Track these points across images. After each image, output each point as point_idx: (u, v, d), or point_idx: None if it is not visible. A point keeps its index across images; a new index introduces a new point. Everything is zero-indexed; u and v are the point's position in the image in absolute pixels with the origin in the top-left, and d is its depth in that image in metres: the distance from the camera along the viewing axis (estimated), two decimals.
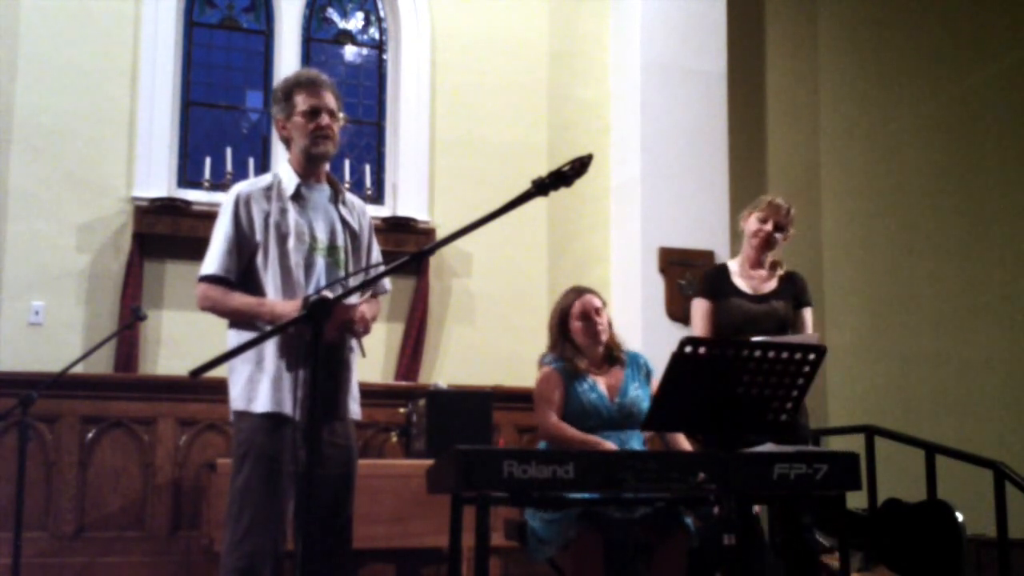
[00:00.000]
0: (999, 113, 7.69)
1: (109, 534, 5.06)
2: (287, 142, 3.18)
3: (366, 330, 3.08)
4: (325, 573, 2.97)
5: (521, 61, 6.55)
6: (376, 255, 3.30)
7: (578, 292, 3.90)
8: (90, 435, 5.11)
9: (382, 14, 6.55)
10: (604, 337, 3.83)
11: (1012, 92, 7.69)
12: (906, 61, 7.59)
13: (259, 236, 3.03)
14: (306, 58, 6.28)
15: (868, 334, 7.17)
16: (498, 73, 6.49)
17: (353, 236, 3.19)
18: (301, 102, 3.12)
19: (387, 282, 3.40)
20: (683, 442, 3.82)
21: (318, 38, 6.42)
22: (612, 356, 3.86)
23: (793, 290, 4.19)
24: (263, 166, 6.02)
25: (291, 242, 3.04)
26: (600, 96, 6.64)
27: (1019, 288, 7.51)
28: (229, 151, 5.85)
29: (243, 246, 3.03)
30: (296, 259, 3.03)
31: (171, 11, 5.92)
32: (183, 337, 5.59)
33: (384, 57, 6.50)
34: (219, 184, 5.82)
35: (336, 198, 3.19)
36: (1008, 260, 7.55)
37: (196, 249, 5.57)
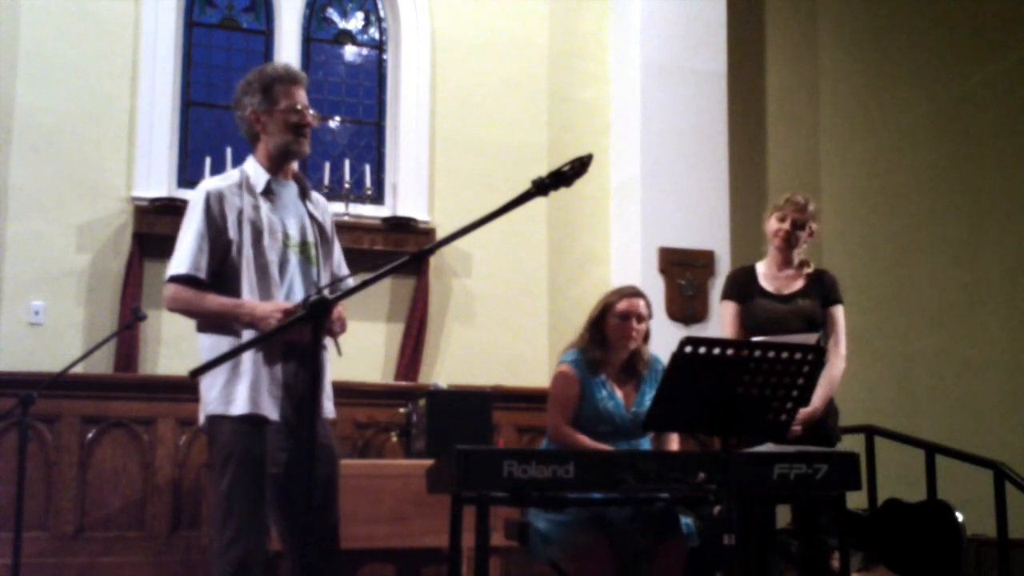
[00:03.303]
0: (999, 113, 7.69)
1: (109, 534, 5.05)
2: (255, 136, 3.07)
3: (342, 329, 3.03)
4: (318, 573, 2.96)
5: (521, 61, 6.54)
6: (338, 252, 3.25)
7: (630, 293, 3.82)
8: (90, 435, 5.11)
9: (382, 14, 6.54)
10: (633, 345, 3.76)
11: (1012, 92, 7.69)
12: (906, 61, 7.59)
13: (232, 233, 2.94)
14: (306, 58, 6.27)
15: (868, 334, 7.16)
16: (498, 73, 6.49)
17: (322, 232, 3.14)
18: (283, 98, 3.03)
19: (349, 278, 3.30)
20: (673, 444, 3.82)
21: (318, 38, 6.42)
22: (634, 368, 3.80)
23: (821, 288, 4.12)
24: None
25: (266, 239, 2.97)
26: (600, 96, 6.64)
27: (1019, 288, 7.51)
28: (229, 151, 5.84)
29: (216, 244, 2.93)
30: (271, 257, 2.97)
31: (171, 11, 5.92)
32: (183, 337, 5.54)
33: (384, 57, 6.49)
34: None
35: (303, 195, 3.14)
36: (1008, 260, 7.55)
37: None
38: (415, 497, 4.45)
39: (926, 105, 7.60)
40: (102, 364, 5.42)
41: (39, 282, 5.50)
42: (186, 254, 2.92)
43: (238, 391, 2.89)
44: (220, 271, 2.94)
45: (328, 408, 3.11)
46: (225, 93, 6.15)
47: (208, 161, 5.84)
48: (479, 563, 2.83)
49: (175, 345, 5.61)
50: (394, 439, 5.42)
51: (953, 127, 7.62)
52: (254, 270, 2.95)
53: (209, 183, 3.04)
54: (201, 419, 2.97)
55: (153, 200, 5.65)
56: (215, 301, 2.91)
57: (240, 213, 2.96)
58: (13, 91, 5.59)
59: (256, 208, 2.99)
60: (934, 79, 7.64)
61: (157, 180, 5.73)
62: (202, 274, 2.92)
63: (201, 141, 6.04)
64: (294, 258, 3.03)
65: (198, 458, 5.18)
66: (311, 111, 3.11)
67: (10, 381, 4.78)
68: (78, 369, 4.53)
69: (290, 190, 3.11)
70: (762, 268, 4.20)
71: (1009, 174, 7.63)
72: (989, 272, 7.53)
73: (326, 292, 2.97)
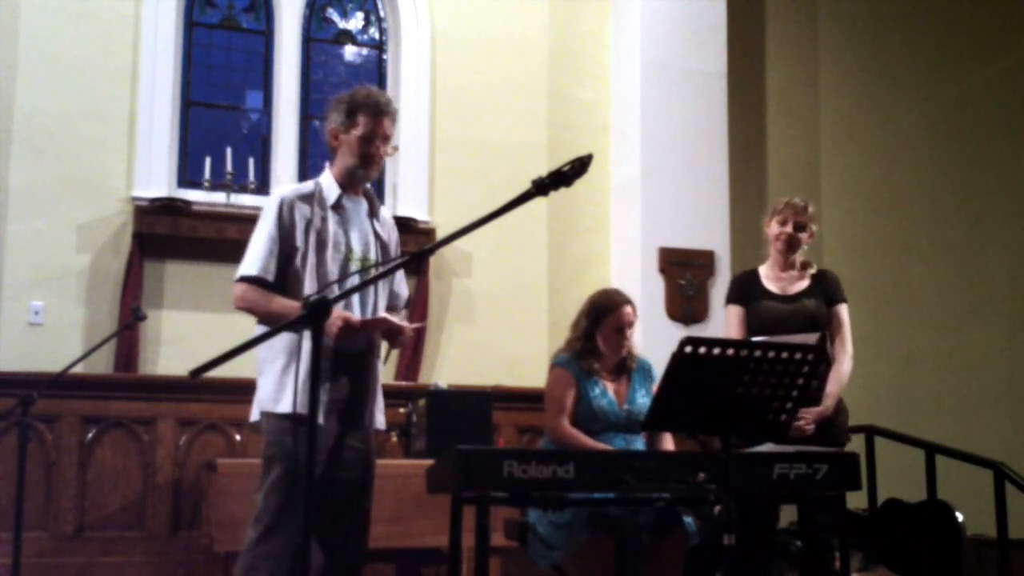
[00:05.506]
0: (999, 113, 7.69)
1: (109, 534, 5.06)
2: (333, 151, 3.21)
3: (405, 342, 3.18)
4: (336, 573, 3.00)
5: (521, 61, 6.54)
6: (400, 274, 3.34)
7: (621, 302, 3.85)
8: (90, 435, 5.11)
9: (382, 14, 6.55)
10: (624, 352, 3.86)
11: (1012, 92, 7.69)
12: (906, 61, 7.59)
13: (299, 241, 3.07)
14: (306, 58, 6.27)
15: (868, 334, 7.14)
16: (498, 73, 6.49)
17: (384, 251, 3.25)
18: (363, 124, 3.12)
19: (404, 295, 3.41)
20: (668, 443, 3.84)
21: (318, 38, 6.42)
22: (624, 365, 3.89)
23: (824, 288, 4.15)
24: (263, 166, 6.03)
25: (329, 251, 3.08)
26: (600, 96, 6.64)
27: (1019, 288, 7.51)
28: (229, 151, 5.85)
29: (283, 249, 3.06)
30: (332, 268, 3.08)
31: (171, 11, 5.92)
32: (183, 337, 5.59)
33: (384, 57, 6.50)
34: (219, 184, 5.82)
35: (372, 213, 3.24)
36: (1008, 260, 7.55)
37: (196, 249, 5.66)
38: (415, 497, 4.45)
39: (926, 105, 7.60)
40: (102, 364, 5.42)
41: (39, 282, 5.50)
42: (257, 257, 3.06)
43: (287, 390, 3.00)
44: (283, 274, 3.07)
45: (379, 420, 3.25)
46: (225, 93, 6.16)
47: (208, 161, 5.85)
48: (479, 563, 2.83)
49: (175, 345, 5.61)
50: (394, 439, 5.42)
51: (953, 127, 7.62)
52: (315, 279, 3.06)
53: (283, 191, 3.20)
54: (254, 415, 3.09)
55: (153, 200, 5.65)
56: (279, 303, 3.02)
57: (308, 223, 3.09)
58: (13, 91, 5.59)
59: (324, 220, 3.11)
60: (934, 79, 7.64)
61: (157, 180, 5.73)
62: (269, 276, 3.05)
63: (201, 141, 6.04)
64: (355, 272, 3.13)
65: (198, 458, 5.18)
66: (389, 144, 3.19)
67: (10, 381, 4.79)
68: (78, 369, 4.53)
69: (360, 207, 3.22)
70: (765, 271, 4.22)
71: (1009, 174, 7.63)
72: (989, 272, 7.53)
73: (328, 292, 2.98)
